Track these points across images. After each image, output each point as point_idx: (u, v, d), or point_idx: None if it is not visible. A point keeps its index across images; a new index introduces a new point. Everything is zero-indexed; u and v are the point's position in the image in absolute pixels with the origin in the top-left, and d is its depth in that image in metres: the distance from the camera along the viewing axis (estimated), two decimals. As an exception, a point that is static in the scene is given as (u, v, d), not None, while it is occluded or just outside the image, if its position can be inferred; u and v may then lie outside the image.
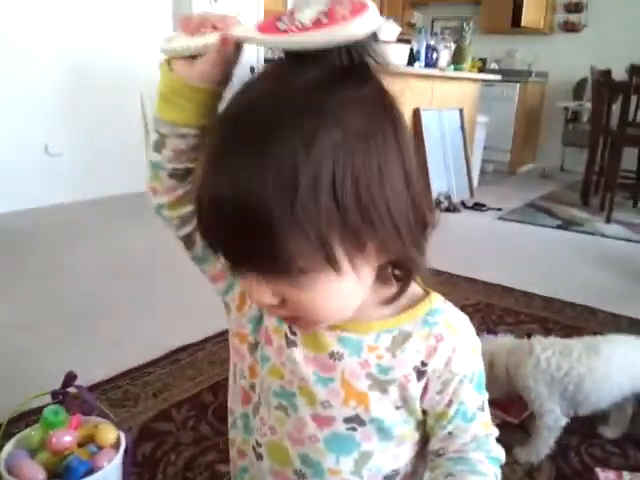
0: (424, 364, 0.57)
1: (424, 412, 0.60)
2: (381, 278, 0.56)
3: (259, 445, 0.63)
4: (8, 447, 1.02)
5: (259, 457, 0.64)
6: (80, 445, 1.05)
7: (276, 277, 0.48)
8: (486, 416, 0.61)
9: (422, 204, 0.52)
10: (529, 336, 1.89)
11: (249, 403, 0.65)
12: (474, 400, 0.60)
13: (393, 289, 0.57)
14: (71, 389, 1.18)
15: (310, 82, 0.47)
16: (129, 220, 3.27)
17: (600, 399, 1.28)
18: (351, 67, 0.48)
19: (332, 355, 0.57)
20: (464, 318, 0.61)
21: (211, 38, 0.53)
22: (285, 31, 0.48)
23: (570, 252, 3.12)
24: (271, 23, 0.49)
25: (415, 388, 0.57)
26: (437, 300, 0.59)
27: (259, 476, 0.65)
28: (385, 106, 0.50)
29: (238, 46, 0.54)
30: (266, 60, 4.80)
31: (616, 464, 1.31)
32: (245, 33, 0.52)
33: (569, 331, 2.00)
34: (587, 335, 2.00)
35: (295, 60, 0.48)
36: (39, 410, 1.23)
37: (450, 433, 0.60)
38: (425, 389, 0.58)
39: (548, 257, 3.01)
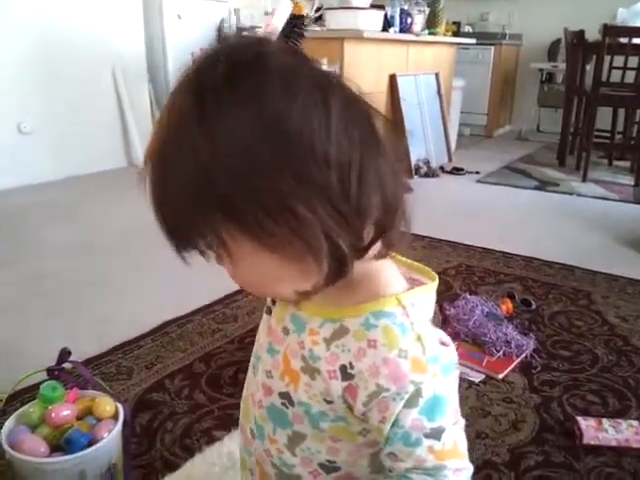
0: (351, 366, 0.52)
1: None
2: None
3: (241, 398, 0.70)
4: (8, 424, 1.03)
5: (239, 409, 0.70)
6: (79, 418, 1.07)
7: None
8: (441, 445, 0.52)
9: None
10: (510, 295, 1.96)
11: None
12: (418, 426, 0.51)
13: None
14: (66, 365, 1.20)
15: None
16: (107, 197, 3.24)
17: None
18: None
19: (284, 329, 0.59)
20: (421, 333, 0.52)
21: None
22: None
23: (547, 212, 3.17)
24: None
25: (337, 387, 0.53)
26: (393, 304, 0.53)
27: (241, 426, 0.70)
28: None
29: None
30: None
31: (596, 412, 1.36)
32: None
33: (548, 288, 2.07)
34: (566, 291, 2.07)
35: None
36: (34, 388, 1.25)
37: (393, 454, 0.54)
38: (354, 395, 0.53)
39: (526, 218, 3.06)
